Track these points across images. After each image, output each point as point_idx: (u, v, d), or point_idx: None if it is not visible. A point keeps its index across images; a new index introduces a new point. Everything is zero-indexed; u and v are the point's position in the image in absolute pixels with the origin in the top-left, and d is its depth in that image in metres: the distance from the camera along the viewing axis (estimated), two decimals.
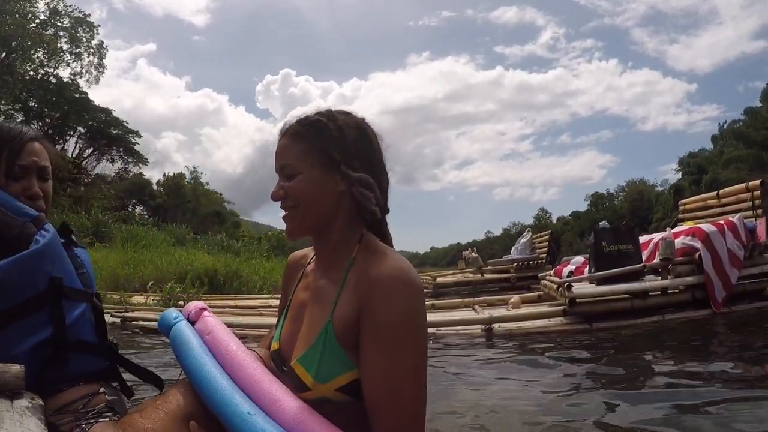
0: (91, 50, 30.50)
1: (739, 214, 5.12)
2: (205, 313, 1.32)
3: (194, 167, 36.23)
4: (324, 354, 1.02)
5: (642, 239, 5.49)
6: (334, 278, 1.09)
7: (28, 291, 1.13)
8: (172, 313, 1.37)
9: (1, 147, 1.32)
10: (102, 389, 1.22)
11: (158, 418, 1.08)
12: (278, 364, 1.16)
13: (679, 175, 48.65)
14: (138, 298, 8.21)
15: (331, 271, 1.12)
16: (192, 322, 1.31)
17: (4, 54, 26.55)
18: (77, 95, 29.84)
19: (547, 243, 10.26)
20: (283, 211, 1.12)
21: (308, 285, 1.19)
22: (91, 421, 1.12)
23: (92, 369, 1.23)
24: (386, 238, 1.16)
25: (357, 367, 1.00)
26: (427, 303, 6.61)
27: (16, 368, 1.01)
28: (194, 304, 1.36)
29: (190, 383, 1.13)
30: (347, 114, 1.14)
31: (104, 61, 31.21)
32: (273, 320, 1.33)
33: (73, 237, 1.41)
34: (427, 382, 1.01)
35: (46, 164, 1.40)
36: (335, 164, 1.07)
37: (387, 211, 1.16)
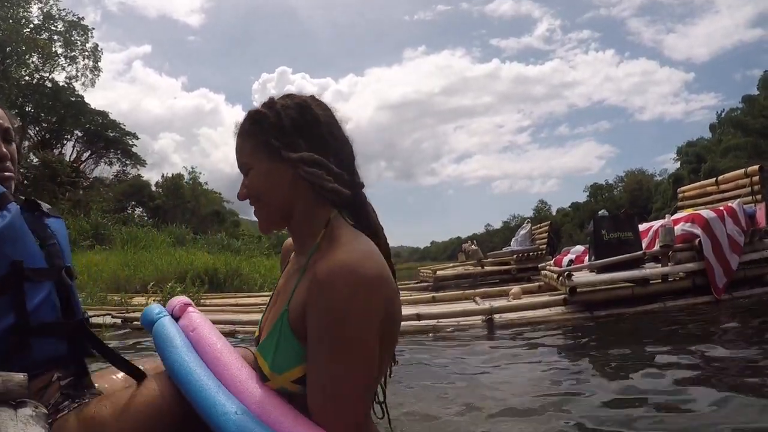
0: (86, 53, 30.32)
1: (738, 199, 5.12)
2: (190, 308, 1.27)
3: (192, 167, 35.99)
4: (279, 343, 1.00)
5: (641, 227, 5.48)
6: (300, 265, 1.08)
7: None
8: (155, 308, 1.31)
9: None
10: (56, 375, 1.17)
11: (130, 417, 1.06)
12: None
13: (678, 165, 48.66)
14: (139, 299, 8.21)
15: (300, 258, 1.11)
16: (176, 318, 1.25)
17: None
18: (73, 99, 29.69)
19: (546, 234, 10.26)
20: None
21: (287, 272, 1.19)
22: (49, 420, 1.07)
23: (55, 354, 1.19)
24: (368, 217, 1.11)
25: None
26: (427, 296, 6.63)
27: (20, 377, 1.00)
28: (178, 299, 1.31)
29: (169, 378, 1.10)
30: (289, 96, 1.11)
31: (99, 64, 31.08)
32: None
33: (43, 208, 1.35)
34: (369, 382, 0.96)
35: (9, 126, 1.37)
36: (277, 151, 1.04)
37: (360, 185, 1.11)
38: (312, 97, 1.13)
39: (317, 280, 0.92)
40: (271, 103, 1.10)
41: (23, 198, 1.32)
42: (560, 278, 4.98)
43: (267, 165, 1.06)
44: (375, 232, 1.09)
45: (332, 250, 0.96)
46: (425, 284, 10.30)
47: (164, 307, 1.32)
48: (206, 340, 1.11)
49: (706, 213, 4.91)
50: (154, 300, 7.81)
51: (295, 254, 1.18)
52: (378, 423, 1.20)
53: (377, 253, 0.98)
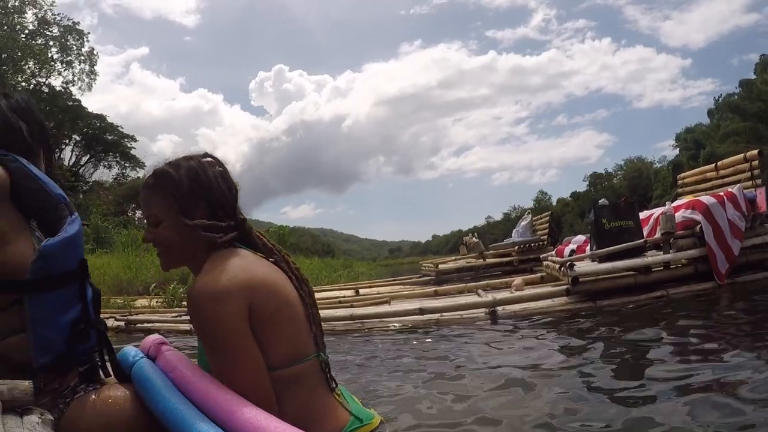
0: (82, 58, 30.33)
1: (738, 184, 5.11)
2: (164, 347, 1.27)
3: None
4: (200, 356, 1.21)
5: (642, 215, 5.47)
6: None
7: (68, 266, 1.22)
8: (131, 351, 1.30)
9: None
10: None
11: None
12: None
13: (677, 151, 48.61)
14: (141, 301, 8.24)
15: None
16: (152, 358, 1.26)
17: None
18: (70, 103, 29.73)
19: (547, 224, 10.26)
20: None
21: None
22: (68, 399, 1.15)
23: (93, 344, 1.28)
24: (256, 241, 1.29)
25: None
26: (430, 290, 6.65)
27: (25, 384, 1.00)
28: (152, 339, 1.31)
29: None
30: (188, 159, 1.28)
31: (95, 67, 31.07)
32: None
33: None
34: (254, 366, 1.10)
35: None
36: (178, 212, 1.22)
37: (242, 221, 1.28)
38: (206, 157, 1.30)
39: (188, 305, 1.14)
40: (176, 165, 1.25)
41: None
42: (562, 268, 4.98)
43: (173, 221, 1.22)
44: (264, 248, 1.28)
45: (197, 279, 1.15)
46: (427, 278, 10.30)
47: (138, 348, 1.31)
48: (187, 378, 1.14)
49: (706, 199, 4.90)
50: (156, 301, 7.84)
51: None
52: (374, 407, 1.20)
53: (235, 267, 1.14)
